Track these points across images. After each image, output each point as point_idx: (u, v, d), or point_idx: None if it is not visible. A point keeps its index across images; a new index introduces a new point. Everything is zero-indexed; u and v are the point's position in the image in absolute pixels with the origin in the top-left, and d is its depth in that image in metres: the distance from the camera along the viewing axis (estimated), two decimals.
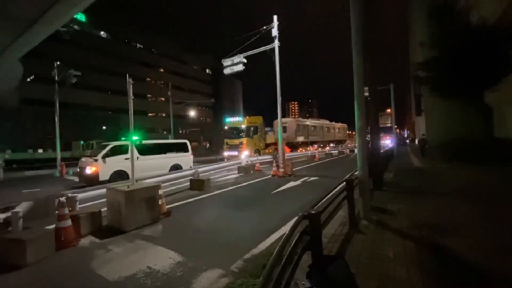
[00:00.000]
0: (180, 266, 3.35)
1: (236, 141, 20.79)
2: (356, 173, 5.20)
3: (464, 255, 3.16)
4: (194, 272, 3.17)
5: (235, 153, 20.04)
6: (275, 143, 22.66)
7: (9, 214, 3.83)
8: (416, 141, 33.99)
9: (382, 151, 11.72)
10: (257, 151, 21.17)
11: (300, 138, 28.34)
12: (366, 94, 7.07)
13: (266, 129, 24.51)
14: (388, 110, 25.31)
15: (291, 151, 23.58)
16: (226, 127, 23.03)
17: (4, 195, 8.99)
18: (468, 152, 12.38)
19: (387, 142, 31.97)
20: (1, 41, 11.75)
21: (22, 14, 9.65)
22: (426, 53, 14.04)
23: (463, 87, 12.52)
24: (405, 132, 67.51)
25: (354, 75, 4.87)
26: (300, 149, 27.60)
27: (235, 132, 21.30)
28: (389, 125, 25.21)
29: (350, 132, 56.27)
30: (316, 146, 31.58)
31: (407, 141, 50.57)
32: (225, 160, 19.08)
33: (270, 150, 22.71)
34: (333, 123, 39.88)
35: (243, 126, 21.07)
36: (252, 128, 21.08)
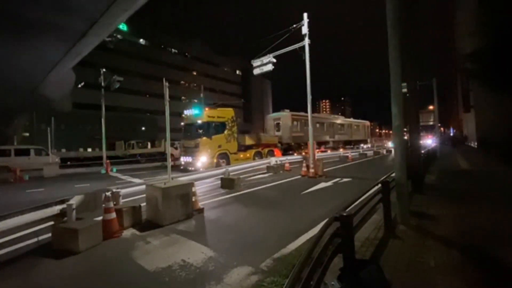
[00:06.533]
0: (212, 261, 3.49)
1: (192, 143, 14.18)
2: (393, 174, 4.91)
3: None
4: (225, 267, 3.28)
5: (189, 159, 14.14)
6: (259, 145, 17.62)
7: (64, 206, 4.32)
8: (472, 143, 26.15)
9: (422, 151, 10.88)
10: (224, 156, 14.76)
11: (299, 139, 21.88)
12: (405, 90, 6.65)
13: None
14: (431, 107, 23.34)
15: (283, 154, 18.54)
16: (182, 123, 16.02)
17: (62, 189, 10.13)
18: None
19: (429, 141, 29.43)
20: (57, 52, 13.29)
21: (74, 26, 10.80)
22: (475, 43, 12.68)
23: None
24: (451, 130, 61.58)
25: (391, 70, 4.62)
26: (303, 151, 20.81)
27: (195, 129, 14.46)
28: (431, 123, 23.24)
29: (386, 131, 52.82)
30: (322, 148, 24.16)
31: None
32: (181, 167, 14.58)
33: (248, 155, 16.46)
34: (351, 119, 33.84)
35: (200, 122, 14.26)
36: (213, 124, 14.33)
